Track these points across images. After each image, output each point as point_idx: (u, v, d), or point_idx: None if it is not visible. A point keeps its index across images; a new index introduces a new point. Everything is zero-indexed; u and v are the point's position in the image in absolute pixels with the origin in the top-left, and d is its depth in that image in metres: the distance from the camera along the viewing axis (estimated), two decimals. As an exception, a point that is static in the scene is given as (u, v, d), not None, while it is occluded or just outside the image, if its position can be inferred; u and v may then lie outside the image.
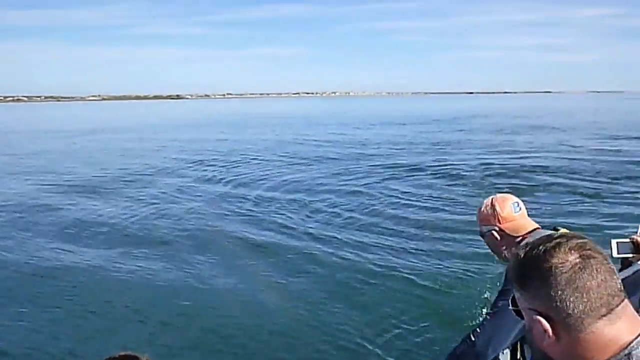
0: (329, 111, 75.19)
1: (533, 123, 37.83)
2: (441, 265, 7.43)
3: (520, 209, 2.39)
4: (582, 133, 29.10)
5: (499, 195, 2.50)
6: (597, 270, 1.06)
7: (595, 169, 15.75)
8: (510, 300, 1.17)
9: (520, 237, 2.30)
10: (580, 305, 1.04)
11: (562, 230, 2.20)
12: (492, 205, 2.41)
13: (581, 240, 1.10)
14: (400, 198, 12.20)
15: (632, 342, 1.04)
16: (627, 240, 2.44)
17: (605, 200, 11.46)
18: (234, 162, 18.94)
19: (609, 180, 13.71)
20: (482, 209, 2.45)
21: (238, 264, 7.91)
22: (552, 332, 1.07)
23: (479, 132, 31.10)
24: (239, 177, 15.68)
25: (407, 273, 7.13)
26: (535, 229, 2.34)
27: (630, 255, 2.43)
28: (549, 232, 2.20)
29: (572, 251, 1.08)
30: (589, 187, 12.91)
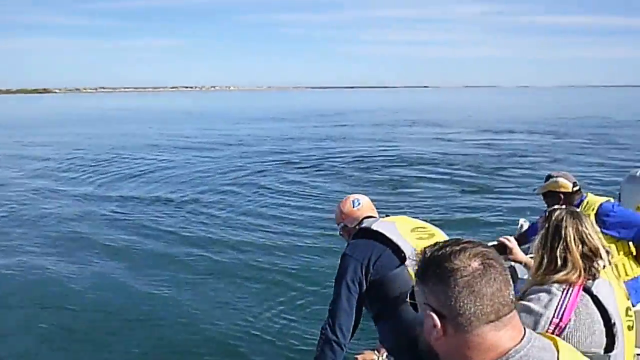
0: (208, 106, 73.75)
1: (413, 117, 39.01)
2: (309, 260, 7.38)
3: (360, 204, 2.74)
4: (459, 127, 30.25)
5: (347, 196, 2.83)
6: (494, 279, 1.11)
7: (470, 161, 16.36)
8: (409, 294, 1.24)
9: (356, 226, 2.64)
10: (472, 308, 1.10)
11: (401, 217, 2.70)
12: (339, 206, 2.79)
13: (485, 249, 1.15)
14: (278, 195, 11.84)
15: (510, 349, 1.12)
16: (495, 243, 2.62)
17: (479, 193, 11.82)
18: (88, 164, 16.93)
19: (479, 174, 14.20)
20: (335, 211, 2.81)
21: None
22: (441, 329, 1.12)
23: (361, 127, 31.42)
24: (90, 181, 13.93)
25: (272, 270, 7.03)
26: (366, 217, 2.67)
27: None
28: (377, 219, 2.63)
29: (476, 257, 1.12)
30: (464, 180, 13.32)
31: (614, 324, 1.89)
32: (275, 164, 16.46)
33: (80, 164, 16.90)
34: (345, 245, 2.70)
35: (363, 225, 2.59)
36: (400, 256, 2.44)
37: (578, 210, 2.13)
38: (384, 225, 2.53)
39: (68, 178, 14.44)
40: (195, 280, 6.71)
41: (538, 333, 1.21)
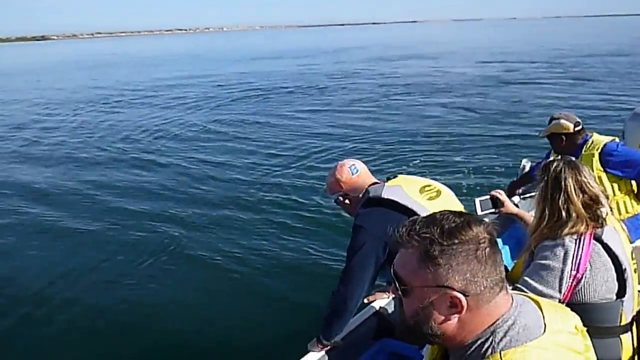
0: (203, 48, 72.51)
1: (410, 52, 38.25)
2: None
3: (357, 170, 2.57)
4: (454, 59, 30.00)
5: (339, 162, 2.62)
6: (497, 246, 1.10)
7: (471, 89, 16.94)
8: (396, 282, 1.13)
9: (361, 194, 2.51)
10: (494, 279, 1.08)
11: (404, 178, 2.53)
12: (333, 174, 2.58)
13: (480, 219, 1.12)
14: (302, 131, 11.94)
15: (503, 314, 1.11)
16: (487, 197, 2.74)
17: (484, 122, 11.94)
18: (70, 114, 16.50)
19: (486, 103, 14.48)
20: (327, 180, 2.62)
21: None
22: (463, 307, 1.07)
23: (357, 63, 30.89)
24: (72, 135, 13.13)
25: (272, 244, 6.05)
26: (372, 184, 2.53)
27: (493, 210, 2.74)
28: (382, 185, 2.47)
29: (482, 227, 1.09)
30: (469, 111, 13.47)
31: (625, 269, 1.93)
32: (275, 100, 16.82)
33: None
34: (351, 214, 2.62)
35: (372, 195, 2.45)
36: None
37: (575, 159, 2.13)
38: (394, 191, 2.41)
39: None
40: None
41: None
